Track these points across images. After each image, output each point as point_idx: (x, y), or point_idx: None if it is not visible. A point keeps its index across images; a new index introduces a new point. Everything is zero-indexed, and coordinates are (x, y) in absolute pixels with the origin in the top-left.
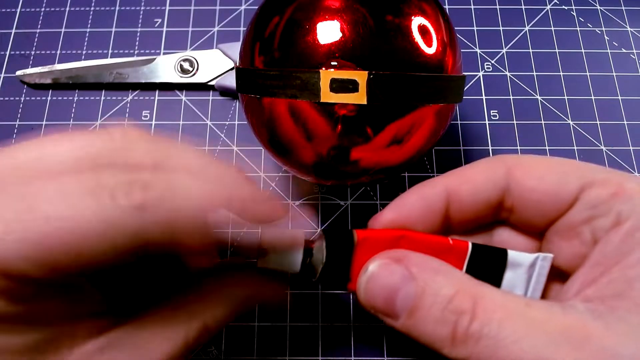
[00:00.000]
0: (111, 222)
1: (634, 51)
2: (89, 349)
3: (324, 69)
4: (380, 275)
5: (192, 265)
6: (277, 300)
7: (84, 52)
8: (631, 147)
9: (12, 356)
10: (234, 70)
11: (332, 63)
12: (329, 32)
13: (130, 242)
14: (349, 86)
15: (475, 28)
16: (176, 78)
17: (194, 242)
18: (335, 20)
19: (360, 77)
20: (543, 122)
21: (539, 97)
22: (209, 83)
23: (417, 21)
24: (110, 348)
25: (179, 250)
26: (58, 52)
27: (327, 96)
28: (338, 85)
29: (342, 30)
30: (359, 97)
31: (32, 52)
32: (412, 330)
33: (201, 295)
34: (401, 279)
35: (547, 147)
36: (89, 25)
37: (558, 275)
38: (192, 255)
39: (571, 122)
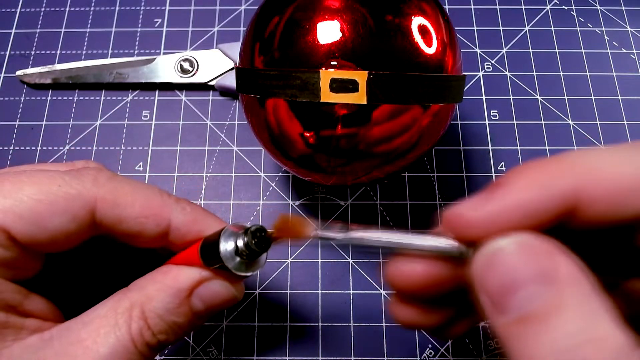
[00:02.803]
0: (71, 195)
1: (634, 51)
2: (31, 342)
3: (324, 69)
4: (512, 255)
5: (139, 245)
6: (230, 293)
7: (84, 52)
8: None
9: None
10: (234, 70)
11: (332, 63)
12: (328, 32)
13: (87, 212)
14: (349, 86)
15: (475, 28)
16: (176, 78)
17: (141, 223)
18: (335, 20)
19: (360, 77)
20: (543, 122)
21: (539, 97)
22: (209, 83)
23: (417, 21)
24: (50, 343)
25: (127, 231)
26: (58, 52)
27: (327, 96)
28: (338, 85)
29: (342, 30)
30: (359, 97)
31: (32, 52)
32: (513, 338)
33: (141, 286)
34: (537, 275)
35: (547, 147)
36: (89, 25)
37: None
38: (139, 236)
39: (571, 122)
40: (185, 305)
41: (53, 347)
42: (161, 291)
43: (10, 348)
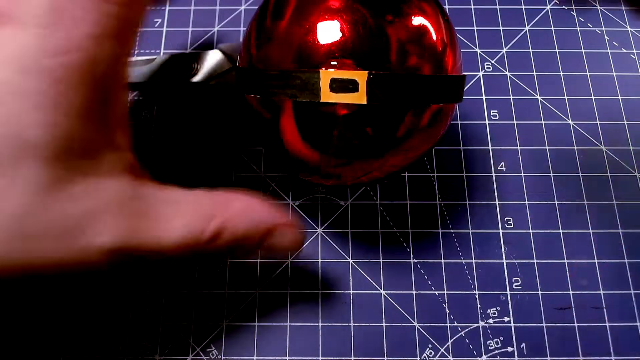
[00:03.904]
0: None
1: (634, 51)
2: (125, 183)
3: (323, 69)
4: None
5: None
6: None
7: None
8: (631, 147)
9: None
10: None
11: (332, 63)
12: (328, 32)
13: None
14: (349, 86)
15: (475, 28)
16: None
17: None
18: (335, 20)
19: (360, 77)
20: (543, 122)
21: (539, 97)
22: (209, 83)
23: (417, 21)
24: (138, 200)
25: None
26: None
27: (327, 96)
28: (338, 85)
29: (342, 30)
30: (359, 97)
31: None
32: None
33: (228, 204)
34: None
35: (547, 147)
36: None
37: None
38: None
39: (571, 122)
40: (260, 237)
41: (137, 205)
42: (244, 218)
43: (104, 183)
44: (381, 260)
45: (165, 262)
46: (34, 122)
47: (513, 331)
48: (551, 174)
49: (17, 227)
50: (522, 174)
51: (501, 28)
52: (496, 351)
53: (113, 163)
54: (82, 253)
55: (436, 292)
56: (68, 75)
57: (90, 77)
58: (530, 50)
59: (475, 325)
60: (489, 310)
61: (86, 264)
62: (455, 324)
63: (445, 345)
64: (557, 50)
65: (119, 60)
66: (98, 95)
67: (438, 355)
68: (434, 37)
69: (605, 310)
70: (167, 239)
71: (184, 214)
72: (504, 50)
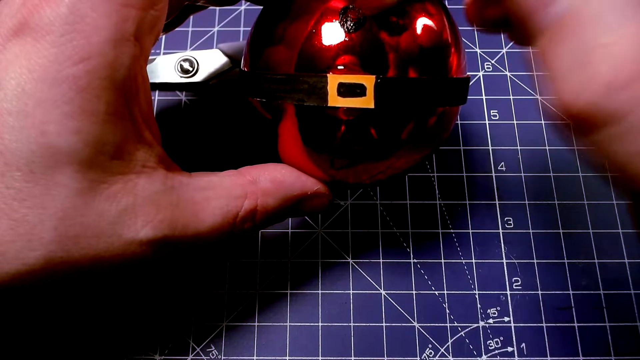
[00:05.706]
0: None
1: None
2: (158, 178)
3: (331, 73)
4: None
5: None
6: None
7: None
8: None
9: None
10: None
11: (339, 67)
12: (334, 35)
13: None
14: (357, 90)
15: (475, 28)
16: (176, 78)
17: None
18: (339, 22)
19: (368, 81)
20: (543, 122)
21: (539, 97)
22: (209, 83)
23: (422, 23)
24: (170, 191)
25: None
26: None
27: (335, 100)
28: (345, 90)
29: (347, 33)
30: (367, 102)
31: None
32: (549, 58)
33: (258, 181)
34: None
35: (547, 147)
36: None
37: None
38: None
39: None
40: (290, 208)
41: (172, 195)
42: (275, 192)
43: (138, 179)
44: (381, 260)
45: (203, 247)
46: (64, 131)
47: (513, 331)
48: (551, 174)
49: (60, 229)
50: (522, 174)
51: None
52: (496, 351)
53: (144, 159)
54: (127, 247)
55: (436, 292)
56: (92, 81)
57: (112, 81)
58: (531, 50)
59: (475, 325)
60: (489, 310)
61: (131, 257)
62: (455, 324)
63: (445, 345)
64: None
65: (138, 61)
66: (122, 97)
67: (438, 355)
68: (440, 38)
69: (605, 310)
70: (205, 223)
71: (218, 198)
72: (504, 50)
